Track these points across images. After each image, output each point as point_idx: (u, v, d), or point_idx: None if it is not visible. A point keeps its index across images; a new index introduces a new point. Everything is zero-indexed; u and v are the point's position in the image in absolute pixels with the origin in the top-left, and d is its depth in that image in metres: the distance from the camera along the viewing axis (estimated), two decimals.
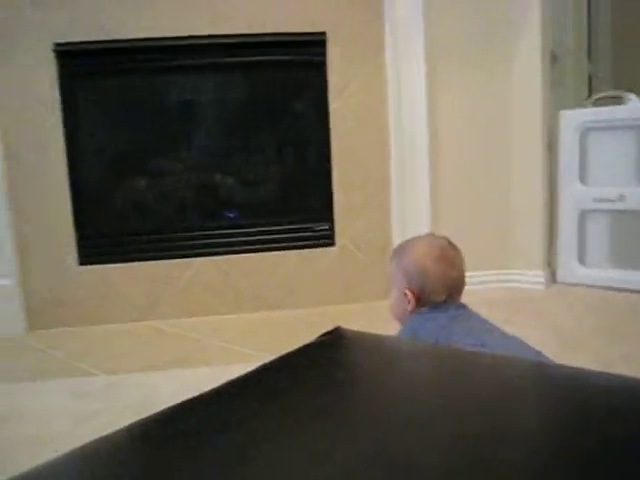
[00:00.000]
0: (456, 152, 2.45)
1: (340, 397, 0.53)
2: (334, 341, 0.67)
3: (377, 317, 2.24)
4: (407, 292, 1.18)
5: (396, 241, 2.41)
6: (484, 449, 0.39)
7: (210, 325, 2.26)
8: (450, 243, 1.22)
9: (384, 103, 2.34)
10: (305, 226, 2.41)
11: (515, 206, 2.52)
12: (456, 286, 1.18)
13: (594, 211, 2.48)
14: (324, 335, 0.68)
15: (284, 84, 2.41)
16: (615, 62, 3.90)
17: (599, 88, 3.62)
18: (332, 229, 2.41)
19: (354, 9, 2.30)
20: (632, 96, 2.41)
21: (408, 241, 1.27)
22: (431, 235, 1.29)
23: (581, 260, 2.54)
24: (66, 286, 2.29)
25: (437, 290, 1.16)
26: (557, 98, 2.79)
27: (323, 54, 2.30)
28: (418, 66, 2.32)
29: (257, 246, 2.38)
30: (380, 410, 0.48)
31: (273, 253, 2.38)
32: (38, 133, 2.21)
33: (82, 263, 2.30)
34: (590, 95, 3.17)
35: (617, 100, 2.50)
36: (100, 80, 2.31)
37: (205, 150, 2.44)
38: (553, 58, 2.73)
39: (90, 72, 2.28)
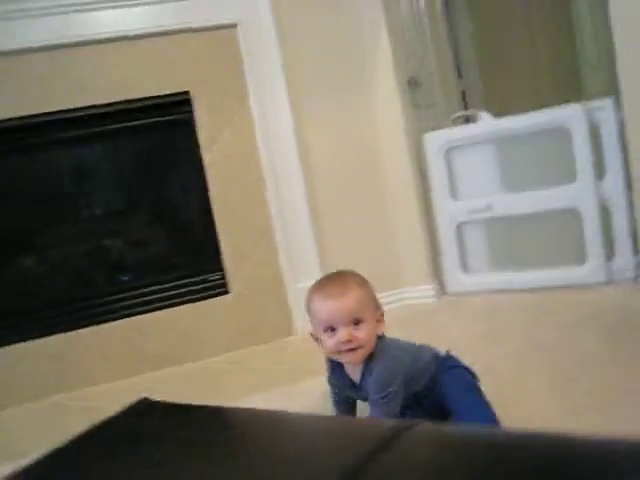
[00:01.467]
0: (331, 184, 2.57)
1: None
2: (141, 412, 0.71)
3: (283, 353, 2.33)
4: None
5: (287, 277, 2.50)
6: None
7: (114, 391, 2.27)
8: (341, 276, 1.22)
9: (254, 147, 2.44)
10: (197, 278, 2.47)
11: (396, 227, 2.66)
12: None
13: (468, 222, 2.65)
14: (130, 407, 0.72)
15: (157, 145, 2.48)
16: (484, 75, 4.16)
17: (473, 103, 3.85)
18: (224, 277, 2.47)
19: (214, 64, 2.40)
20: (484, 114, 2.60)
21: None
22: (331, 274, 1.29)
23: (464, 269, 2.70)
24: None
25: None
26: (430, 118, 2.97)
27: (189, 112, 2.38)
28: (282, 107, 2.44)
29: (154, 305, 2.41)
30: None
31: (170, 310, 2.41)
32: None
33: None
34: (465, 108, 3.38)
35: (472, 118, 2.69)
36: None
37: (90, 218, 2.46)
38: (414, 83, 2.91)
39: None
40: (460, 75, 3.91)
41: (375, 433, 0.59)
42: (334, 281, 1.21)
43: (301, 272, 2.50)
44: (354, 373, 1.23)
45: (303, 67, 2.54)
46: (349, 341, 1.15)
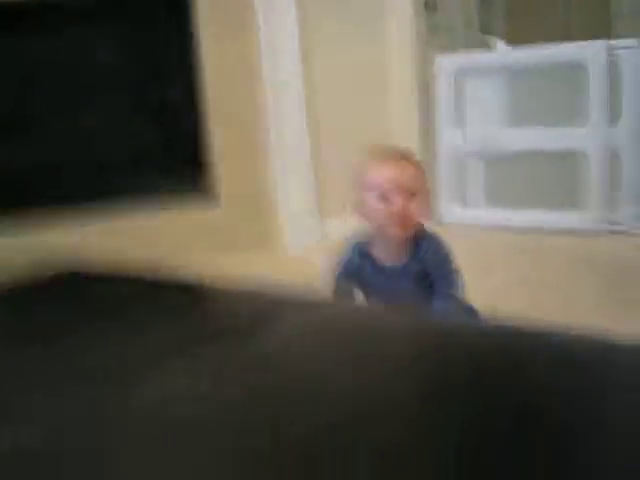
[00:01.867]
0: (334, 101, 2.45)
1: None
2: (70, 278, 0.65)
3: (260, 264, 2.27)
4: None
5: (279, 195, 2.43)
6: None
7: None
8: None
9: (257, 55, 2.31)
10: (187, 184, 2.38)
11: None
12: None
13: (471, 153, 2.55)
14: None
15: (155, 31, 2.34)
16: (508, 6, 3.95)
17: (493, 32, 3.66)
18: (213, 185, 2.39)
19: None
20: (499, 42, 2.45)
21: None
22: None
23: (462, 201, 2.61)
24: None
25: None
26: (444, 43, 2.81)
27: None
28: (290, 13, 2.31)
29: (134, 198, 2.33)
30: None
31: (145, 207, 2.32)
32: None
33: None
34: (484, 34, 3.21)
35: (488, 45, 2.55)
36: None
37: (70, 100, 2.34)
38: (432, 6, 2.74)
39: None
40: (482, 2, 3.71)
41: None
42: (394, 152, 1.23)
43: (292, 187, 2.41)
44: (393, 254, 1.18)
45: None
46: (403, 212, 1.12)
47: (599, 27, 3.71)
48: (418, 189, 1.14)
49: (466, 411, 0.34)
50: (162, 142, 2.41)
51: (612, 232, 2.36)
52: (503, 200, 2.54)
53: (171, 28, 2.33)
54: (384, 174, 1.14)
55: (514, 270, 1.95)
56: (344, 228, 2.48)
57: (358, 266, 1.22)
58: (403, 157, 1.20)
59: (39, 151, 2.31)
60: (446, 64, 2.53)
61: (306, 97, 2.38)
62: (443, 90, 2.54)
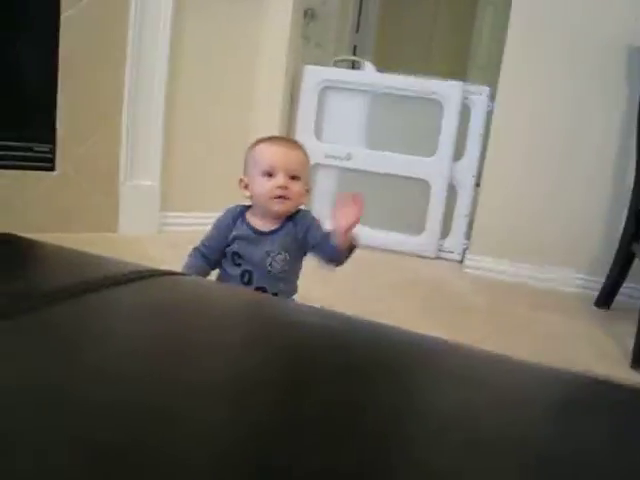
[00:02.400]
0: (196, 88, 2.39)
1: None
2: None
3: (98, 246, 2.15)
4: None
5: (123, 171, 2.31)
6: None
7: None
8: None
9: (124, 19, 2.18)
10: (23, 144, 2.19)
11: None
12: None
13: (324, 166, 2.61)
14: None
15: None
16: (379, 32, 4.13)
17: (362, 54, 3.80)
18: (53, 151, 2.22)
19: None
20: (368, 63, 2.54)
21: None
22: None
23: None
24: None
25: None
26: (315, 55, 2.86)
27: None
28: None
29: None
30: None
31: None
32: None
33: None
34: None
35: (356, 65, 2.63)
36: None
37: None
38: (311, 15, 2.78)
39: None
40: (358, 28, 3.86)
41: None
42: (284, 138, 1.51)
43: (139, 169, 2.31)
44: (267, 223, 1.24)
45: None
46: (285, 188, 1.18)
47: (456, 70, 4.00)
48: (301, 173, 1.21)
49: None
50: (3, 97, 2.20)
51: (439, 258, 2.53)
52: None
53: None
54: (273, 152, 1.22)
55: (348, 281, 2.02)
56: (184, 221, 2.44)
57: (227, 225, 1.25)
58: (290, 141, 1.35)
59: None
60: (313, 76, 2.58)
61: (168, 84, 2.30)
62: (307, 99, 2.59)
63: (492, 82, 2.43)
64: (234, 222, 1.25)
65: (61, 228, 2.24)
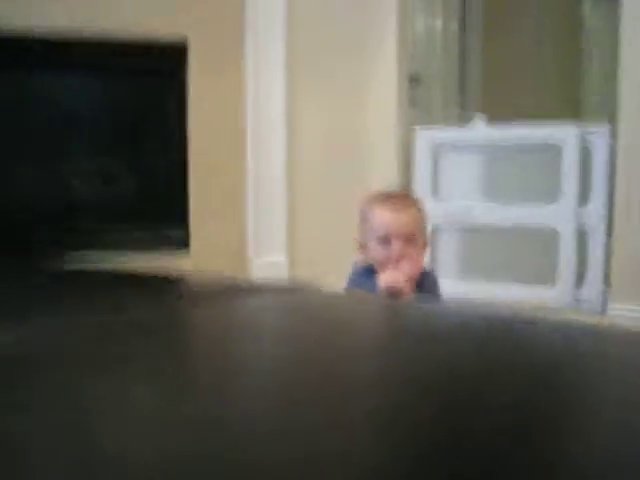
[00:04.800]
0: (314, 165, 2.49)
1: None
2: None
3: None
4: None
5: (251, 249, 2.42)
6: None
7: None
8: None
9: (242, 113, 2.35)
10: (158, 230, 2.38)
11: None
12: None
13: (445, 226, 2.59)
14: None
15: (143, 88, 2.38)
16: (485, 86, 4.12)
17: (470, 108, 3.80)
18: (187, 235, 2.38)
19: (214, 18, 2.31)
20: (479, 118, 2.54)
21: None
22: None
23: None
24: None
25: None
26: (425, 117, 2.91)
27: (183, 61, 2.29)
28: (277, 74, 2.38)
29: (110, 244, 2.31)
30: None
31: (126, 252, 2.30)
32: None
33: None
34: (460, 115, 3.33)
35: (467, 121, 2.64)
36: None
37: (57, 148, 2.35)
38: (415, 80, 2.85)
39: None
40: (463, 81, 3.87)
41: None
42: (398, 196, 1.31)
43: (266, 247, 2.42)
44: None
45: (307, 43, 2.46)
46: (402, 256, 1.16)
47: (569, 108, 3.88)
48: (418, 232, 1.19)
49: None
50: (140, 193, 2.41)
51: (577, 309, 2.40)
52: (476, 272, 2.58)
53: (162, 90, 2.37)
54: (384, 217, 1.19)
55: None
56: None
57: (360, 284, 1.24)
58: (404, 198, 1.29)
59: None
60: (425, 138, 2.61)
61: (287, 161, 2.42)
62: (421, 161, 2.61)
63: (610, 107, 2.34)
64: (366, 278, 1.22)
65: None
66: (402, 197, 1.29)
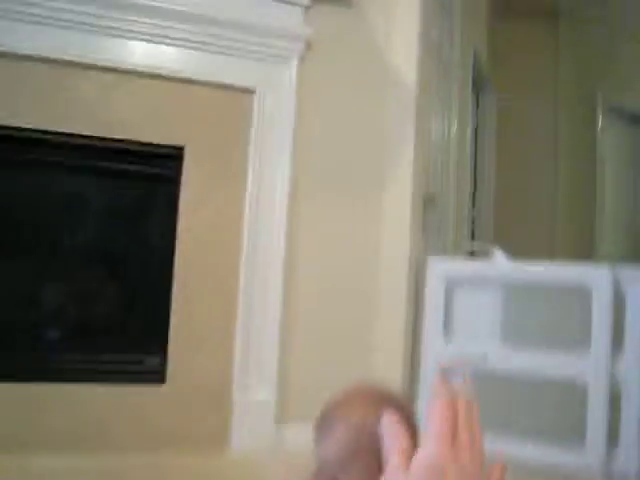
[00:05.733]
0: (314, 290, 2.24)
1: None
2: None
3: (208, 469, 1.92)
4: None
5: (237, 383, 2.12)
6: None
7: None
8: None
9: (237, 226, 2.12)
10: (133, 356, 2.08)
11: (375, 360, 2.28)
12: None
13: (455, 370, 2.30)
14: None
15: (135, 194, 2.18)
16: (497, 209, 3.96)
17: (480, 235, 3.60)
18: (164, 364, 2.08)
19: (219, 126, 2.13)
20: (499, 252, 2.31)
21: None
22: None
23: None
24: None
25: None
26: (437, 243, 2.69)
27: (179, 168, 2.09)
28: (280, 192, 2.16)
29: (72, 375, 2.01)
30: None
31: (90, 385, 2.01)
32: None
33: None
34: (472, 240, 3.12)
35: (485, 254, 2.41)
36: None
37: (30, 255, 2.10)
38: (429, 200, 2.65)
39: None
40: (473, 205, 3.71)
41: None
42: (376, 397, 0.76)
43: (253, 382, 2.12)
44: None
45: (314, 154, 2.28)
46: None
47: (582, 246, 3.69)
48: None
49: None
50: (115, 312, 2.15)
51: (609, 477, 2.06)
52: (488, 426, 2.25)
53: (157, 201, 2.17)
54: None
55: None
56: (302, 436, 2.17)
57: None
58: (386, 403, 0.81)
59: None
60: (438, 268, 2.37)
61: (283, 289, 2.16)
62: (433, 295, 2.36)
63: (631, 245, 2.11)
64: None
65: (166, 445, 2.04)
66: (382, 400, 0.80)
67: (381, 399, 0.73)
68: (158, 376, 2.07)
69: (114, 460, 1.95)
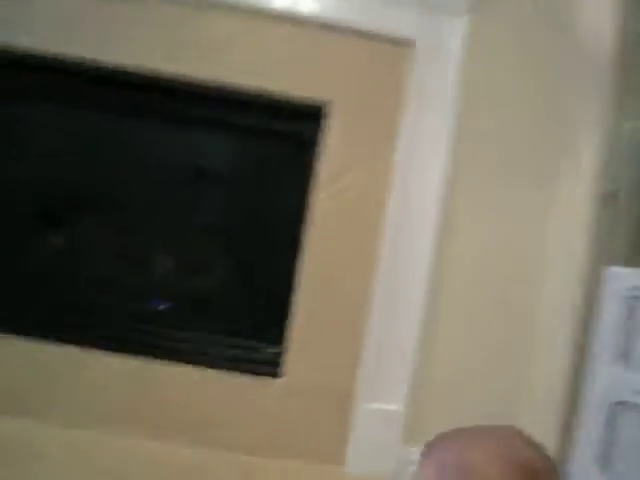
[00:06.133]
0: (465, 292, 1.87)
1: None
2: None
3: None
4: None
5: (361, 388, 1.81)
6: None
7: (87, 446, 1.65)
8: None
9: (382, 211, 1.79)
10: (249, 344, 1.83)
11: (525, 386, 1.90)
12: None
13: (634, 405, 1.86)
14: None
15: (263, 157, 1.90)
16: None
17: None
18: (280, 356, 1.81)
19: (369, 82, 1.80)
20: None
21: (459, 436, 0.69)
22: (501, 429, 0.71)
23: (604, 465, 1.90)
24: None
25: None
26: (612, 247, 2.24)
27: (318, 131, 1.78)
28: (436, 168, 1.78)
29: (178, 355, 1.78)
30: None
31: (199, 370, 1.78)
32: None
33: None
34: None
35: None
36: (33, 101, 1.81)
37: (143, 215, 1.90)
38: (610, 198, 2.18)
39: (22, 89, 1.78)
40: None
41: None
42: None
43: (381, 389, 1.80)
44: None
45: (480, 130, 1.89)
46: None
47: None
48: None
49: None
50: (229, 290, 1.91)
51: None
52: None
53: (289, 165, 1.89)
54: None
55: None
56: None
57: None
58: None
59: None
60: (618, 280, 1.92)
61: (430, 282, 1.80)
62: (609, 313, 1.91)
63: None
64: None
65: (272, 449, 1.78)
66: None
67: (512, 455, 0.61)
68: (273, 369, 1.80)
69: (208, 455, 1.73)
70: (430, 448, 0.68)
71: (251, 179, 1.91)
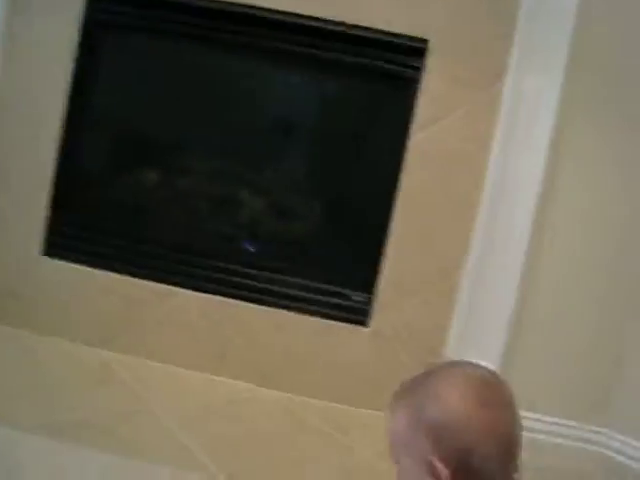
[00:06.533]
0: (564, 266, 1.70)
1: None
2: None
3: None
4: (436, 464, 0.65)
5: (453, 344, 1.73)
6: None
7: (171, 380, 1.69)
8: (495, 375, 0.72)
9: (484, 153, 1.65)
10: (336, 290, 1.78)
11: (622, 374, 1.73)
12: (514, 445, 0.69)
13: None
14: None
15: (359, 96, 1.81)
16: None
17: None
18: (370, 304, 1.75)
19: (474, 18, 1.64)
20: None
21: (427, 374, 0.72)
22: (465, 364, 0.75)
23: None
24: (21, 276, 1.79)
25: (489, 455, 0.66)
26: None
27: (418, 68, 1.66)
28: (547, 110, 1.61)
29: (266, 297, 1.77)
30: None
31: (284, 312, 1.76)
32: (35, 79, 1.72)
33: (47, 254, 1.79)
34: None
35: None
36: (136, 36, 1.81)
37: (236, 156, 1.87)
38: None
39: (126, 23, 1.78)
40: None
41: None
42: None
43: (472, 350, 1.70)
44: None
45: (600, 73, 1.68)
46: None
47: None
48: (396, 448, 0.73)
49: None
50: (318, 235, 1.86)
51: None
52: None
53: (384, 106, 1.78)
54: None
55: None
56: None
57: None
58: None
59: None
60: None
61: (527, 251, 1.66)
62: None
63: None
64: None
65: (359, 400, 1.74)
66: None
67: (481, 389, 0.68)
68: (361, 317, 1.75)
69: (291, 400, 1.72)
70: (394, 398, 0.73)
71: (348, 119, 1.83)
